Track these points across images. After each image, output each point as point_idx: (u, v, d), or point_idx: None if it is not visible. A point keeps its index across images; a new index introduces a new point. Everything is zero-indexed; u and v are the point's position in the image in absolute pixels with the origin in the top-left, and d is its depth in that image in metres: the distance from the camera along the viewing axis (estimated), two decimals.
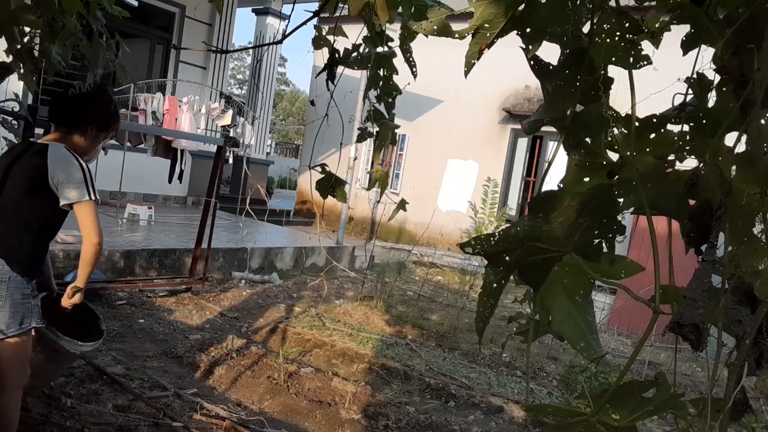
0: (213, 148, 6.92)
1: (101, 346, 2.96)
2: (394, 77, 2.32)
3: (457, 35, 1.16)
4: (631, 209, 0.98)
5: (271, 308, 5.82)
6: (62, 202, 2.30)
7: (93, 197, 2.32)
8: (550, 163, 1.02)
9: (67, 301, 2.47)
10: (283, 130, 35.37)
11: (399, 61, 2.28)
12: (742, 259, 0.86)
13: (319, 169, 2.30)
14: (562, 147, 1.01)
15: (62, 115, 2.43)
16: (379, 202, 2.88)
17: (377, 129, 2.38)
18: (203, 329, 4.86)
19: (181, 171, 8.40)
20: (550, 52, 1.03)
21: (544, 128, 1.07)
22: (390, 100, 2.32)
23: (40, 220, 2.35)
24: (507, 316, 1.26)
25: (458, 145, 11.25)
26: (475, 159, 11.14)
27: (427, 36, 1.75)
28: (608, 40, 0.98)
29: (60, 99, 2.46)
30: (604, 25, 0.98)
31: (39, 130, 3.79)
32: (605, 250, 0.96)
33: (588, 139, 0.98)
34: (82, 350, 2.61)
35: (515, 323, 1.22)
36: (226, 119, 9.06)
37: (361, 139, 2.42)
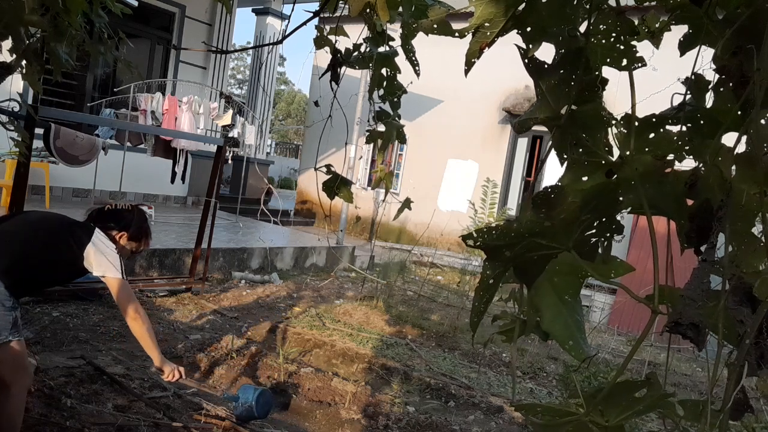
0: (213, 148, 6.92)
1: (103, 346, 2.97)
2: (397, 76, 2.32)
3: (457, 34, 1.16)
4: (630, 209, 0.98)
5: (271, 308, 5.82)
6: (95, 273, 2.54)
7: (123, 277, 2.61)
8: (543, 162, 1.02)
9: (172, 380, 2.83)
10: (282, 130, 35.31)
11: (400, 60, 2.27)
12: (741, 259, 0.86)
13: (324, 170, 2.29)
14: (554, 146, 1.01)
15: (102, 221, 2.72)
16: (384, 200, 2.91)
17: (381, 128, 2.37)
18: (203, 329, 4.86)
19: (183, 171, 8.39)
20: (543, 51, 1.03)
21: (544, 128, 1.07)
22: (395, 99, 2.31)
23: (54, 277, 2.61)
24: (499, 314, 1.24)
25: (458, 145, 11.24)
26: (475, 159, 11.14)
27: (427, 35, 1.75)
28: (603, 41, 0.98)
29: (101, 209, 2.80)
30: (600, 26, 0.97)
31: (39, 130, 3.79)
32: (602, 249, 0.96)
33: (586, 139, 0.98)
34: None
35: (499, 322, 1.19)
36: (226, 119, 9.05)
37: (369, 140, 2.41)
